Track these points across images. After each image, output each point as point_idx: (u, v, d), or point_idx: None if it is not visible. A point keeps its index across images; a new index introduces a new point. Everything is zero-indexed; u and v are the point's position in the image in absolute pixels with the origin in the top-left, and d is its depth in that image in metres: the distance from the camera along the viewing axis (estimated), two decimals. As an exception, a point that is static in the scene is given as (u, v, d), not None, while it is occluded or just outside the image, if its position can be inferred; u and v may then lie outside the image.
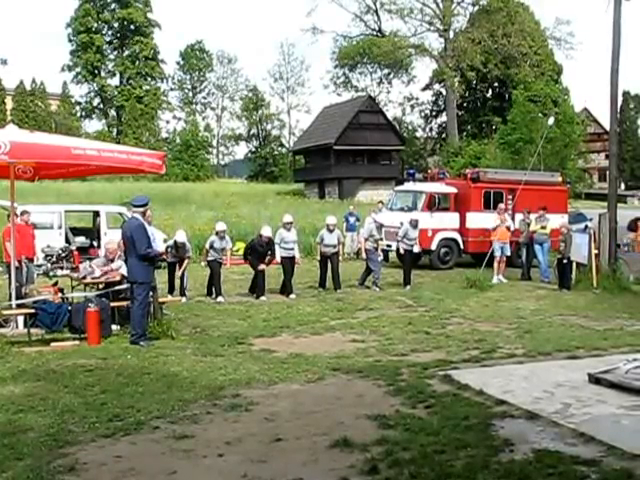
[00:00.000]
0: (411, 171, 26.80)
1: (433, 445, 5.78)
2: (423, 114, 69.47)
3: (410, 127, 69.58)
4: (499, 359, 9.29)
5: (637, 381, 7.17)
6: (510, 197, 21.96)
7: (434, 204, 21.81)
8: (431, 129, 70.23)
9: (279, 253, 15.75)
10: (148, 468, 5.55)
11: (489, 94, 65.19)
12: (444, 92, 63.90)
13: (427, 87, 66.61)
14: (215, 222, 16.92)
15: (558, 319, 12.61)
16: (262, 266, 15.40)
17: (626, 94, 69.40)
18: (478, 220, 21.62)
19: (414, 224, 17.59)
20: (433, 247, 21.79)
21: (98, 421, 6.62)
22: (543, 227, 18.75)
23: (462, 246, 22.18)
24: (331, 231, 16.67)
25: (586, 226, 18.79)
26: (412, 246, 17.74)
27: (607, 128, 70.46)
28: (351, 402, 7.35)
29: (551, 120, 24.89)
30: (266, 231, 15.58)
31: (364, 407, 7.07)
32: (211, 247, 15.36)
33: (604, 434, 5.83)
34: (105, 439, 6.19)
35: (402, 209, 22.13)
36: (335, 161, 53.63)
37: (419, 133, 70.92)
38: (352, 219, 25.86)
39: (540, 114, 40.59)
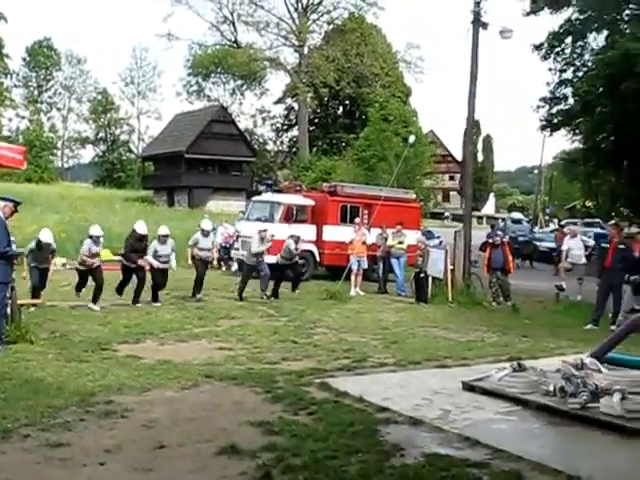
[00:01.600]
0: (269, 182, 26.97)
1: (323, 451, 5.74)
2: (274, 127, 70.00)
3: (261, 140, 69.87)
4: (371, 368, 9.41)
5: (509, 388, 7.46)
6: (366, 212, 22.46)
7: (291, 215, 21.92)
8: (282, 142, 70.81)
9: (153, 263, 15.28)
10: (24, 479, 5.17)
11: (340, 111, 66.59)
12: (296, 107, 64.61)
13: (280, 101, 67.17)
14: (89, 226, 15.59)
15: (420, 331, 12.96)
16: (141, 261, 14.96)
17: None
18: (335, 233, 21.96)
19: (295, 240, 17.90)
20: (290, 258, 21.84)
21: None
22: (400, 242, 19.33)
23: (318, 258, 22.39)
24: (206, 235, 16.57)
25: (441, 242, 19.54)
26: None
27: (451, 151, 73.29)
28: (230, 409, 7.20)
29: (412, 138, 25.70)
30: (140, 227, 15.09)
31: (245, 414, 6.93)
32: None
33: (488, 438, 6.01)
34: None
35: (259, 219, 22.08)
36: (186, 169, 52.88)
37: (270, 146, 71.32)
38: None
39: (393, 133, 41.80)
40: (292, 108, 67.57)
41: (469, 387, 7.81)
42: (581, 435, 6.26)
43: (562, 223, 40.52)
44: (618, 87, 22.11)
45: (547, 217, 61.87)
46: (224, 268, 24.95)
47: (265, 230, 17.32)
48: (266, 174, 67.40)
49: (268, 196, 24.03)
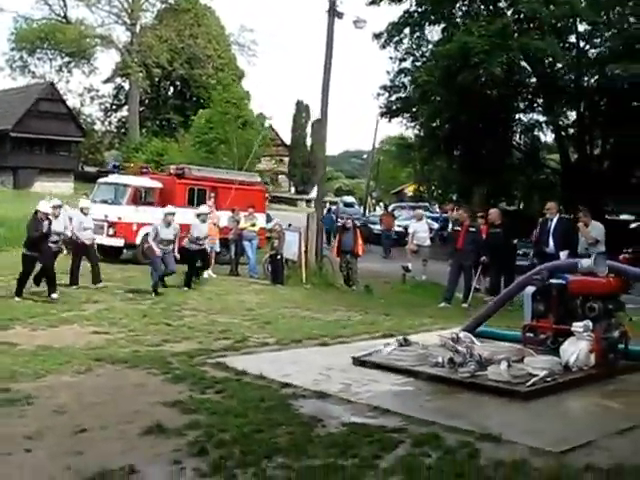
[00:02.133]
0: (115, 163, 26.30)
1: (247, 425, 5.93)
2: (103, 107, 67.67)
3: (89, 119, 67.29)
4: (255, 347, 9.63)
5: (399, 362, 7.95)
6: (213, 194, 22.50)
7: (139, 198, 21.58)
8: (110, 123, 68.62)
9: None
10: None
11: (171, 92, 65.51)
12: (126, 86, 62.89)
13: (109, 80, 64.99)
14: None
15: (286, 311, 13.26)
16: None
17: (299, 103, 74.06)
18: (182, 216, 21.81)
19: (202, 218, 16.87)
20: (137, 241, 21.46)
21: None
22: (253, 225, 19.57)
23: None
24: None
25: (290, 224, 19.95)
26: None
27: (281, 135, 73.57)
28: (135, 391, 7.21)
29: (267, 123, 25.95)
30: (43, 206, 13.78)
31: (152, 395, 6.97)
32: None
33: (395, 407, 6.45)
34: None
35: (105, 201, 21.59)
36: (11, 149, 50.12)
37: (97, 126, 68.91)
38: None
39: (234, 116, 41.73)
40: (122, 87, 65.66)
41: (360, 362, 8.21)
42: (476, 400, 6.83)
43: (391, 207, 42.33)
44: (455, 78, 23.46)
45: (374, 201, 63.96)
46: (65, 252, 24.15)
47: (173, 214, 15.73)
48: (92, 155, 65.27)
49: (114, 178, 23.47)
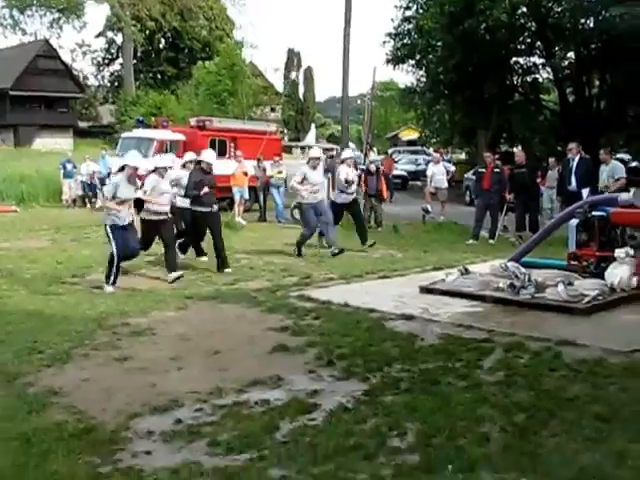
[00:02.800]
0: (140, 118, 26.93)
1: (357, 342, 6.93)
2: (95, 62, 67.60)
3: (82, 75, 67.24)
4: (324, 282, 10.57)
5: (465, 287, 8.97)
6: (232, 145, 23.35)
7: (165, 151, 22.33)
8: (103, 77, 68.64)
9: None
10: (125, 384, 5.93)
11: (163, 44, 65.42)
12: (118, 40, 62.85)
13: (101, 34, 64.89)
14: None
15: (329, 251, 14.00)
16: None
17: (290, 51, 74.21)
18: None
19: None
20: (164, 193, 22.37)
21: (18, 356, 6.64)
22: (280, 172, 20.42)
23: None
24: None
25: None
26: None
27: (272, 82, 73.12)
28: (241, 321, 8.12)
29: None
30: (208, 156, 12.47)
31: (257, 323, 7.92)
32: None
33: (476, 323, 7.48)
34: (48, 369, 6.32)
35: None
36: (10, 107, 50.45)
37: (91, 81, 68.90)
38: (69, 166, 25.71)
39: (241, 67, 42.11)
40: (113, 41, 65.56)
41: (427, 290, 9.22)
42: (542, 316, 7.86)
43: (390, 151, 43.14)
44: (460, 24, 24.15)
45: (368, 146, 64.49)
46: (88, 206, 25.08)
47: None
48: (86, 110, 65.42)
49: (139, 132, 24.20)
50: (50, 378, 6.03)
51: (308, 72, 76.61)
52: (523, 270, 8.96)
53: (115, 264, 10.01)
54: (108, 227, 10.08)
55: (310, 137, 70.47)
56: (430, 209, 20.06)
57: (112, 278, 10.04)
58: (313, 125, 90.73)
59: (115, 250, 10.01)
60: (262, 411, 5.20)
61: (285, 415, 5.09)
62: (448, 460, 4.26)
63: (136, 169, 10.36)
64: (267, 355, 6.70)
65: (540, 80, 32.04)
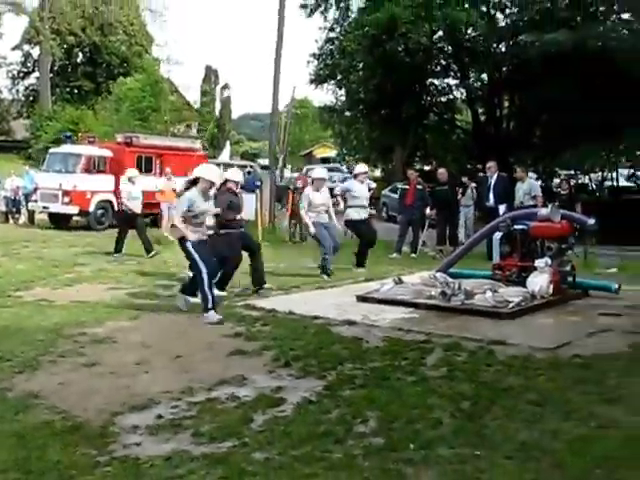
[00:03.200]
0: (68, 134, 26.93)
1: (309, 345, 7.53)
2: (10, 75, 66.22)
3: (-6, 88, 65.79)
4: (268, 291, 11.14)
5: (400, 296, 9.69)
6: (159, 161, 23.72)
7: (92, 166, 22.55)
8: (18, 91, 67.23)
9: None
10: (99, 386, 6.33)
11: (80, 59, 64.62)
12: (34, 53, 61.83)
13: (17, 47, 63.67)
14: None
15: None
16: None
17: (208, 68, 74.15)
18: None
19: None
20: (91, 209, 22.54)
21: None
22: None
23: (117, 208, 23.27)
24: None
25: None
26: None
27: (188, 99, 72.92)
28: (194, 329, 8.54)
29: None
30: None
31: (211, 331, 8.40)
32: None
33: (414, 327, 8.21)
34: (21, 374, 6.60)
35: (59, 171, 22.49)
36: None
37: (4, 94, 67.39)
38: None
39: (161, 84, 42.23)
40: (30, 55, 64.44)
41: (363, 299, 9.90)
42: (472, 320, 8.64)
43: (305, 168, 44.02)
44: (381, 46, 25.23)
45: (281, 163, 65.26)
46: (12, 221, 24.96)
47: None
48: (-1, 124, 64.07)
49: (67, 148, 24.27)
50: (25, 383, 6.35)
51: (225, 89, 76.94)
52: (452, 280, 9.76)
53: (207, 284, 9.09)
54: (190, 244, 9.12)
55: (225, 154, 70.27)
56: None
57: (210, 302, 9.06)
58: (228, 142, 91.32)
59: (204, 269, 9.09)
60: (235, 406, 5.73)
61: (257, 408, 5.64)
62: (409, 441, 4.90)
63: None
64: (227, 358, 7.22)
65: (454, 100, 33.53)
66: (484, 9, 27.69)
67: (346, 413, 5.48)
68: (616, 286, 10.05)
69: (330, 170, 46.41)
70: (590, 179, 28.94)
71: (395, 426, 5.21)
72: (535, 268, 9.72)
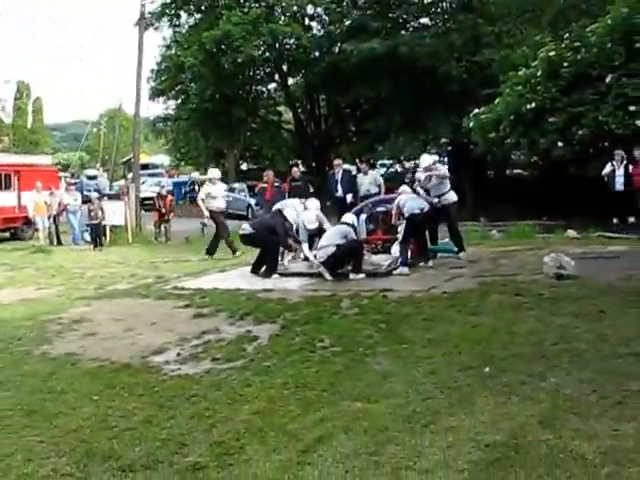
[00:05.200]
0: None
1: (249, 306, 9.94)
2: None
3: None
4: (177, 278, 13.24)
5: (297, 269, 12.37)
6: (16, 178, 24.99)
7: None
8: None
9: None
10: (112, 345, 8.53)
11: None
12: None
13: None
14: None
15: (147, 261, 16.58)
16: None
17: (20, 83, 73.11)
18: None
19: None
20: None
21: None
22: (75, 199, 22.55)
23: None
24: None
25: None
26: None
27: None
28: (143, 307, 10.53)
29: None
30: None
31: (161, 306, 10.42)
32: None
33: (318, 287, 10.92)
34: (43, 346, 8.55)
35: None
36: None
37: None
38: None
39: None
40: None
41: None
42: (360, 280, 11.47)
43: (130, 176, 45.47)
44: (216, 59, 27.83)
45: (99, 171, 65.61)
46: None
47: None
48: None
49: None
50: (54, 350, 8.28)
51: (37, 103, 76.45)
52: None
53: None
54: None
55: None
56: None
57: None
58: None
59: None
60: (228, 342, 8.18)
61: (243, 342, 8.10)
62: (358, 346, 7.60)
63: None
64: (192, 320, 9.47)
65: (277, 104, 36.74)
66: (306, 21, 31.04)
67: (307, 338, 8.06)
68: (456, 249, 13.12)
69: (154, 175, 48.72)
70: (404, 167, 32.84)
71: (343, 341, 7.87)
72: (396, 239, 12.69)
